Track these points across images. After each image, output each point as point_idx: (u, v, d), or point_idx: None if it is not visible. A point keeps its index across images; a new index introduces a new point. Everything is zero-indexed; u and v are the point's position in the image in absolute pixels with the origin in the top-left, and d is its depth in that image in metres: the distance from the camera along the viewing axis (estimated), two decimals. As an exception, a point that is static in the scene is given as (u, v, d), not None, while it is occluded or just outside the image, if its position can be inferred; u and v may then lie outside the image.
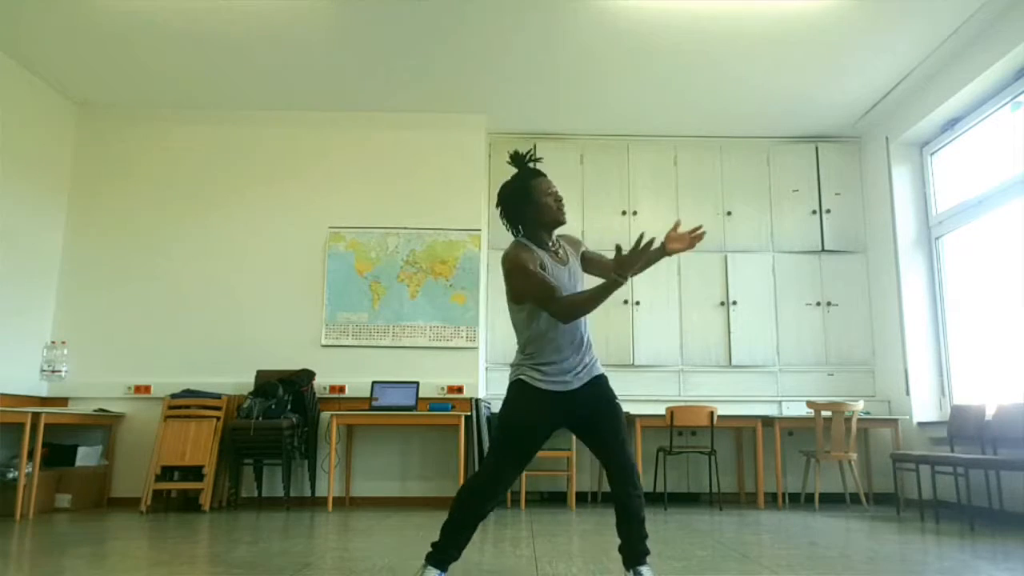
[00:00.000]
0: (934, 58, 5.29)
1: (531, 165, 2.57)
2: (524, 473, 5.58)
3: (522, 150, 2.63)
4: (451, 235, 6.10)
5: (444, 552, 2.44)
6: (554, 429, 2.50)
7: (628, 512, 2.43)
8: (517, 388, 2.48)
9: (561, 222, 2.54)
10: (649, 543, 2.52)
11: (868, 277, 6.49)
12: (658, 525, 4.47)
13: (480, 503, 2.43)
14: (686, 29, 4.97)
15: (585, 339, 2.52)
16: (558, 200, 2.53)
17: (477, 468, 5.40)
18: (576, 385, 2.47)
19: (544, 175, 2.56)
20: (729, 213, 6.58)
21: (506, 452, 2.44)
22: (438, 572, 2.43)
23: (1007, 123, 5.17)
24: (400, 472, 5.78)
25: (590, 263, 2.66)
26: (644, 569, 2.43)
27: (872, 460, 6.17)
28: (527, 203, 2.51)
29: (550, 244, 2.56)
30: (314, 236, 6.09)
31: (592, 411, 2.49)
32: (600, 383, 2.53)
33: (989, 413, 4.87)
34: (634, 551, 2.44)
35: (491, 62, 5.45)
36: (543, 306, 2.39)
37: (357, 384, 5.83)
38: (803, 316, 6.43)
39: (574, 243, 2.67)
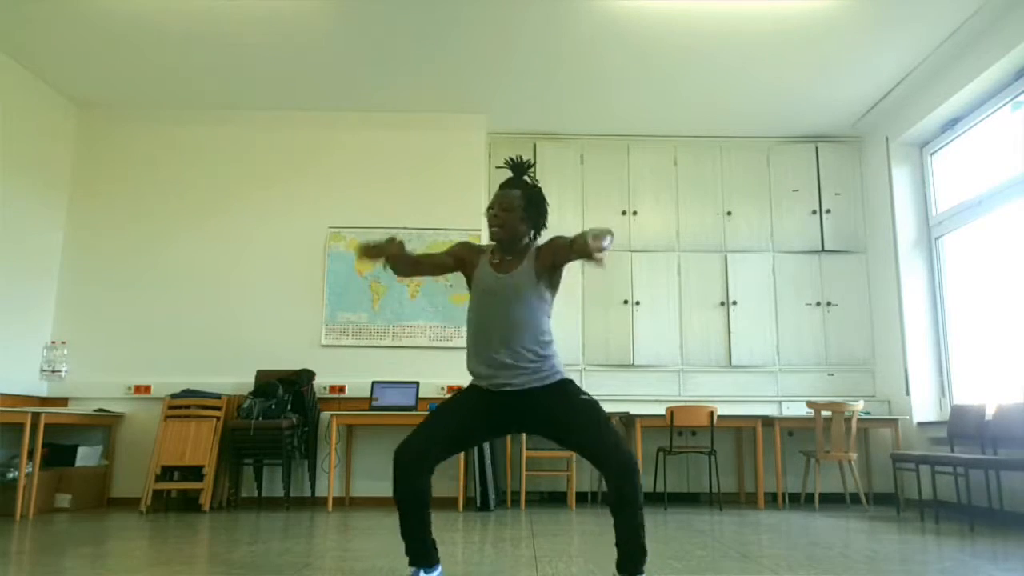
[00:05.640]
0: (934, 58, 5.29)
1: (528, 174, 2.55)
2: (524, 473, 5.59)
3: (525, 155, 2.61)
4: (451, 235, 6.09)
5: (407, 550, 2.49)
6: (485, 415, 2.48)
7: (610, 501, 2.32)
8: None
9: (492, 238, 2.54)
10: (641, 545, 2.31)
11: (868, 277, 6.49)
12: (658, 525, 4.47)
13: (394, 468, 2.44)
14: (686, 29, 4.97)
15: (506, 347, 2.43)
16: (492, 216, 2.52)
17: (477, 469, 5.41)
18: (500, 388, 2.45)
19: (505, 188, 2.54)
20: (729, 213, 6.58)
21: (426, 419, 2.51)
22: (414, 570, 2.46)
23: (1007, 123, 5.17)
24: (400, 472, 5.76)
25: (558, 254, 2.46)
26: None
27: (872, 460, 6.17)
28: None
29: (501, 251, 2.56)
30: (314, 236, 6.09)
31: (536, 422, 2.47)
32: (539, 396, 2.44)
33: (989, 413, 4.87)
34: (620, 555, 2.32)
35: (491, 62, 5.45)
36: None
37: (357, 384, 5.82)
38: (803, 316, 6.43)
39: (545, 253, 2.48)
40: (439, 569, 2.52)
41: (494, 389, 2.46)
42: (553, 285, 2.55)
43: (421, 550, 2.47)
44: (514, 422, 2.52)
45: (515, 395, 2.44)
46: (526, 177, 2.55)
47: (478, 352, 2.50)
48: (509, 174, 2.59)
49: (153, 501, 5.25)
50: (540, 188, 2.57)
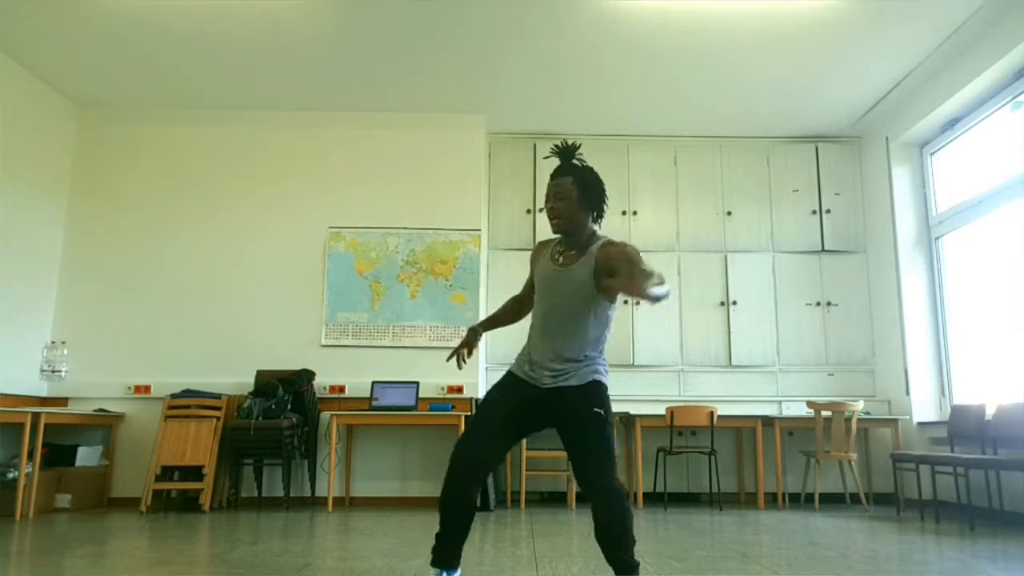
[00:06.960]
0: (934, 58, 5.29)
1: (577, 157, 2.46)
2: (524, 473, 5.59)
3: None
4: (451, 235, 6.10)
5: (435, 550, 2.41)
6: (518, 410, 2.44)
7: (595, 520, 2.30)
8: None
9: (554, 231, 2.46)
10: (631, 554, 2.28)
11: (868, 277, 6.49)
12: (658, 525, 4.47)
13: (449, 471, 2.38)
14: (686, 29, 4.97)
15: (554, 348, 2.40)
16: (549, 209, 2.43)
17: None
18: (537, 383, 2.43)
19: (556, 177, 2.45)
20: (729, 213, 6.58)
21: (469, 424, 2.51)
22: (437, 571, 2.38)
23: (1007, 123, 5.17)
24: (400, 472, 5.78)
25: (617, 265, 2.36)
26: None
27: (872, 460, 6.17)
28: None
29: (565, 244, 2.48)
30: (314, 236, 6.09)
31: (557, 419, 2.42)
32: (569, 394, 2.39)
33: (989, 413, 4.87)
34: (611, 561, 2.29)
35: (491, 62, 5.45)
36: None
37: (357, 384, 5.82)
38: (803, 316, 6.43)
39: (609, 255, 2.36)
40: (459, 572, 2.45)
41: (529, 381, 2.45)
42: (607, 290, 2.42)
43: (449, 553, 2.40)
44: (545, 416, 2.46)
45: (546, 391, 2.41)
46: (575, 160, 2.45)
47: (530, 343, 2.51)
48: (556, 165, 2.48)
49: (153, 501, 5.25)
50: (592, 169, 2.47)
